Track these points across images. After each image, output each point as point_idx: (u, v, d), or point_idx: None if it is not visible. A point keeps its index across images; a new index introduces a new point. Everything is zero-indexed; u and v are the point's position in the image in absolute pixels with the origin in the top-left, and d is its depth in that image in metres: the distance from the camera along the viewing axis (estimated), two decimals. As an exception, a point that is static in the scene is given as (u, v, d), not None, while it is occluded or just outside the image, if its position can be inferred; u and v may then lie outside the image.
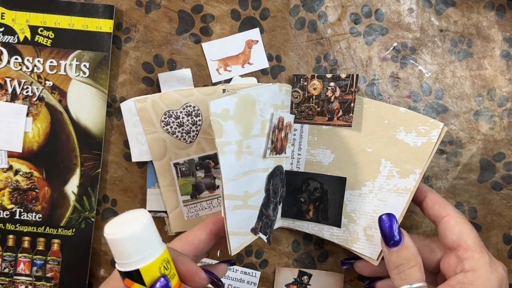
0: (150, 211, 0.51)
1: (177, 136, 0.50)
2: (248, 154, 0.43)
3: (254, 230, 0.47)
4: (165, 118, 0.50)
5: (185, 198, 0.51)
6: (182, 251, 0.38)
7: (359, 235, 0.48)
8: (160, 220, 0.52)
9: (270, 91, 0.46)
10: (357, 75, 0.48)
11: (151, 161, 0.50)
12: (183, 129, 0.50)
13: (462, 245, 0.40)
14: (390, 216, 0.41)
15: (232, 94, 0.41)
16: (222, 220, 0.41)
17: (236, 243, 0.43)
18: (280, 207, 0.51)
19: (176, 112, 0.50)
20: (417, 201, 0.46)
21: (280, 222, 0.51)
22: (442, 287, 0.39)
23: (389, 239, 0.40)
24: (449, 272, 0.40)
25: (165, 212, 0.51)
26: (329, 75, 0.49)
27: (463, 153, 0.51)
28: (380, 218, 0.41)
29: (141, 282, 0.32)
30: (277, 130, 0.47)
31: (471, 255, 0.39)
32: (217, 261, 0.51)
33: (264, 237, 0.49)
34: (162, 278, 0.32)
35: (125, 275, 0.32)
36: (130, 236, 0.31)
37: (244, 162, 0.42)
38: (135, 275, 0.32)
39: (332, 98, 0.49)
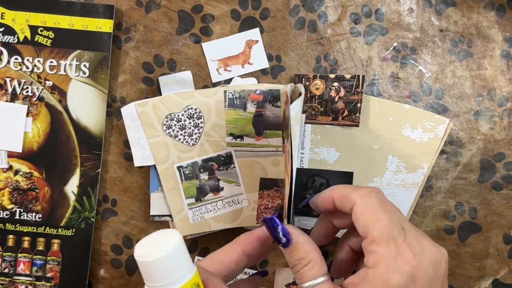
0: (154, 215, 0.51)
1: (179, 139, 0.50)
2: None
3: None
4: (166, 121, 0.50)
5: (189, 201, 0.51)
6: (212, 271, 0.37)
7: None
8: (164, 224, 0.52)
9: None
10: (363, 76, 0.48)
11: (154, 165, 0.50)
12: (185, 132, 0.50)
13: (368, 237, 0.35)
14: (272, 219, 0.37)
15: (299, 98, 0.43)
16: (254, 241, 0.39)
17: None
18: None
19: (178, 115, 0.50)
20: (334, 210, 0.39)
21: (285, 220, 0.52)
22: (349, 280, 0.35)
23: (278, 242, 0.37)
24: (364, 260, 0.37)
25: (170, 216, 0.51)
26: (332, 75, 0.49)
27: (463, 153, 0.51)
28: (263, 221, 0.37)
29: None
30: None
31: (375, 249, 0.34)
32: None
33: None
34: None
35: None
36: (161, 259, 0.30)
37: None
38: None
39: (336, 98, 0.49)
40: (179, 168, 0.50)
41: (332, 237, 0.42)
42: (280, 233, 0.36)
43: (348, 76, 0.49)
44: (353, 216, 0.36)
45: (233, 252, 0.39)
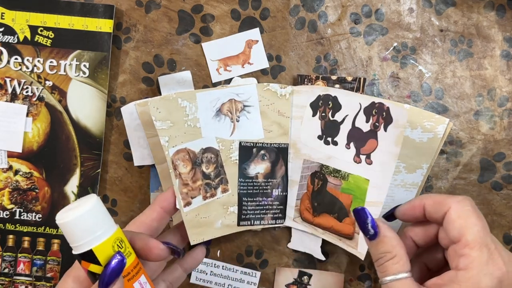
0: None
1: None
2: None
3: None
4: (165, 119, 0.50)
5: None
6: None
7: None
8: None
9: None
10: (364, 79, 0.48)
11: (154, 164, 0.50)
12: (183, 130, 0.50)
13: (462, 241, 0.36)
14: (363, 210, 0.39)
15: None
16: (170, 197, 0.43)
17: None
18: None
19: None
20: (421, 219, 0.41)
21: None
22: (433, 281, 0.37)
23: (365, 234, 0.39)
24: (450, 264, 0.38)
25: (168, 214, 0.51)
26: (334, 77, 0.49)
27: (463, 153, 0.51)
28: (354, 212, 0.40)
29: (96, 261, 0.33)
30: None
31: (468, 252, 0.36)
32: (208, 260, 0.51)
33: None
34: (117, 255, 0.33)
35: (81, 257, 0.33)
36: (78, 218, 0.32)
37: None
38: (89, 256, 0.33)
39: None
40: (179, 168, 0.50)
41: (411, 256, 0.43)
42: (369, 225, 0.38)
43: (349, 79, 0.49)
44: (446, 220, 0.38)
45: (153, 211, 0.42)
